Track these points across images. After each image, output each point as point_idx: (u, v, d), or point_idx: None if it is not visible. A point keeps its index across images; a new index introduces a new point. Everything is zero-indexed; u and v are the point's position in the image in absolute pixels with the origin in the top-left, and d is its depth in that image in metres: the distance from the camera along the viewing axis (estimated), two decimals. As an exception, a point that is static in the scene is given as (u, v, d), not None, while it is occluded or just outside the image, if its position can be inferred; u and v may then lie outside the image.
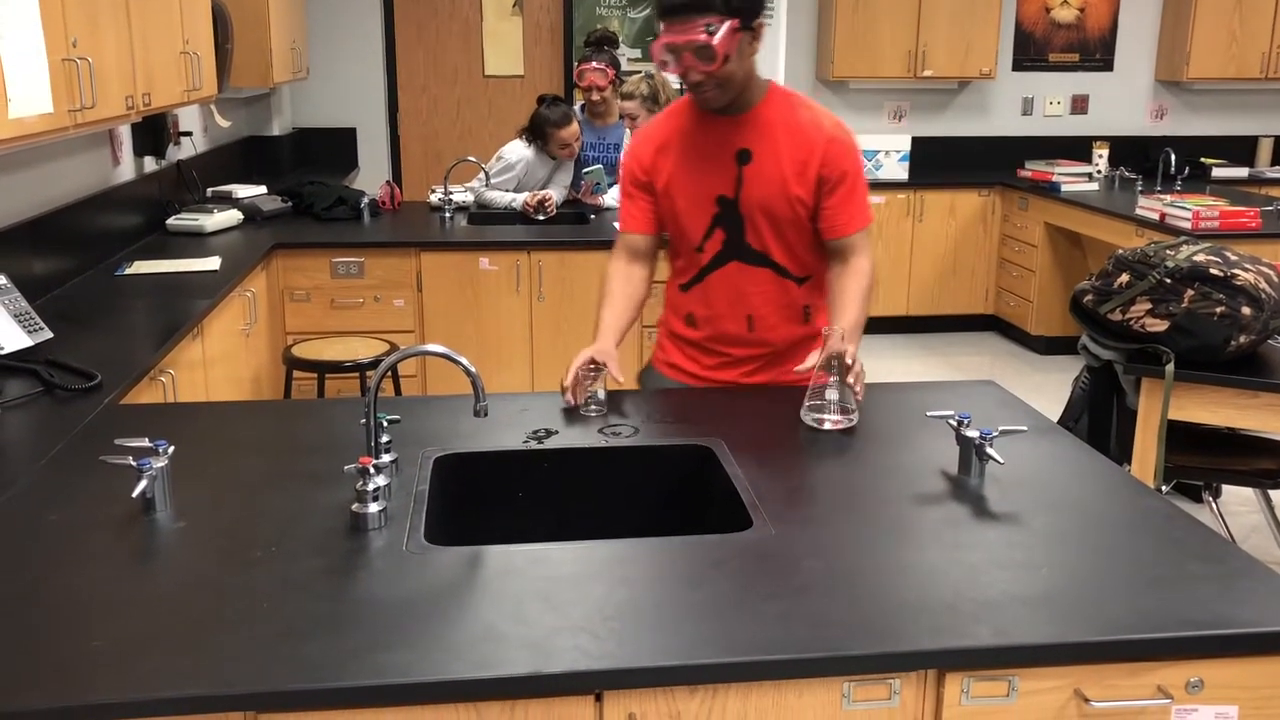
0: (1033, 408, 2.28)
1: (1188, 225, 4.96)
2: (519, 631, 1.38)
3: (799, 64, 6.98)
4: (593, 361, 2.19)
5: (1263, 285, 2.95)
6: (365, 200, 5.03)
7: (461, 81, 6.89)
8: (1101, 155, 6.82)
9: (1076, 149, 7.16)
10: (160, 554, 1.59)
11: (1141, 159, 7.17)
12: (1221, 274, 2.96)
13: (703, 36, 2.09)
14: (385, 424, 1.84)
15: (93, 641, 1.35)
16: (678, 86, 3.89)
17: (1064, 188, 6.25)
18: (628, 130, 4.79)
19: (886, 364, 6.22)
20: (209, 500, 1.77)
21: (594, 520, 2.03)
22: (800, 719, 1.39)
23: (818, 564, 1.57)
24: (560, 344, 4.60)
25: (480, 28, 6.83)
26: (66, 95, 2.66)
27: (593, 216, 4.97)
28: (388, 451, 1.82)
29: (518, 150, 5.03)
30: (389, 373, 2.70)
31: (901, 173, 6.74)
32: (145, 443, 1.76)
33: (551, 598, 1.47)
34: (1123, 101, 7.31)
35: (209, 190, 5.03)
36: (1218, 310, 2.94)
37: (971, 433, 1.87)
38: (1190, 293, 2.98)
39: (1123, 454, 3.26)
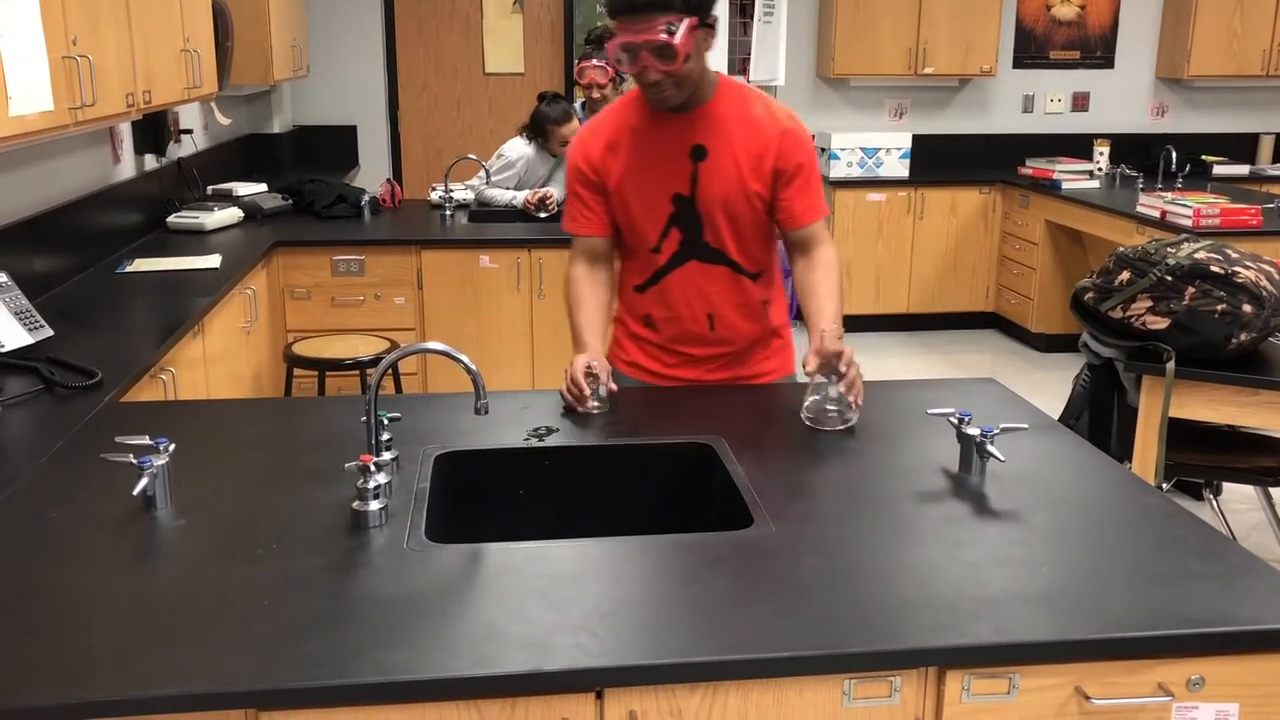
0: (1033, 405, 2.28)
1: (1189, 223, 4.95)
2: (519, 629, 1.38)
3: (799, 61, 6.97)
4: (588, 368, 2.18)
5: (1263, 283, 2.95)
6: (366, 198, 5.03)
7: (462, 79, 6.89)
8: (1102, 153, 6.82)
9: (1077, 146, 7.16)
10: (161, 552, 1.59)
11: (1142, 156, 7.17)
12: (1222, 271, 2.96)
13: (663, 36, 2.04)
14: (386, 422, 1.84)
15: (93, 639, 1.35)
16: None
17: (1065, 185, 6.25)
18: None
19: (887, 361, 6.22)
20: (209, 498, 1.77)
21: (594, 518, 2.03)
22: (801, 716, 1.39)
23: (818, 562, 1.57)
24: (561, 342, 4.60)
25: (481, 25, 6.82)
26: (67, 93, 2.66)
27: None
28: (388, 449, 1.82)
29: (518, 148, 5.03)
30: (389, 370, 2.69)
31: (902, 170, 6.74)
32: (146, 440, 1.76)
33: (552, 595, 1.47)
34: (1124, 99, 7.31)
35: (209, 188, 5.03)
36: (1219, 308, 2.94)
37: (972, 430, 1.87)
38: (1191, 290, 2.98)
39: (1123, 452, 3.25)
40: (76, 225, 3.64)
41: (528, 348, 4.67)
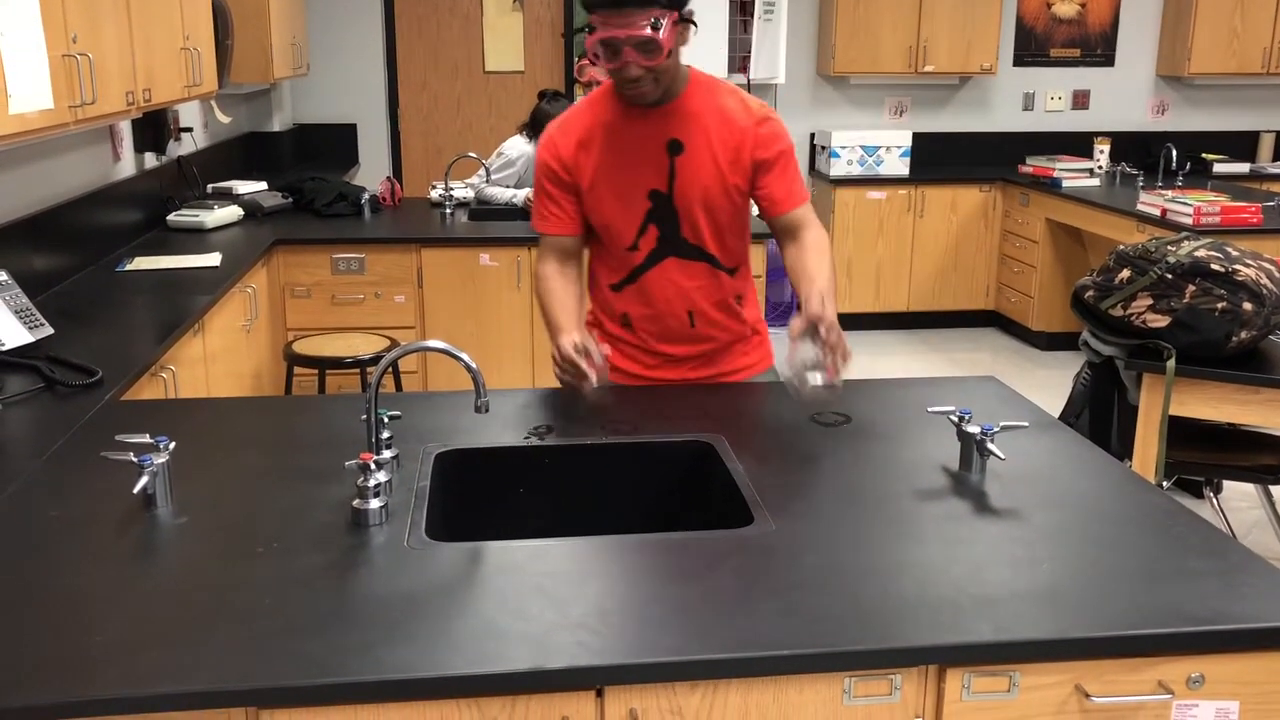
0: (1034, 403, 2.28)
1: (1189, 221, 4.95)
2: (520, 627, 1.38)
3: (800, 59, 6.97)
4: (574, 345, 2.11)
5: (1264, 281, 2.95)
6: (366, 196, 5.03)
7: (462, 77, 6.89)
8: (1103, 151, 6.82)
9: (1078, 144, 7.16)
10: (161, 550, 1.59)
11: (1143, 154, 7.17)
12: (1223, 269, 2.96)
13: (647, 31, 2.03)
14: (386, 420, 1.84)
15: (94, 637, 1.35)
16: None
17: (1065, 183, 6.25)
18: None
19: (887, 360, 6.22)
20: (210, 496, 1.77)
21: (595, 516, 2.03)
22: (801, 714, 1.39)
23: (819, 560, 1.57)
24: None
25: (480, 23, 6.82)
26: (67, 91, 2.66)
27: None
28: (389, 447, 1.82)
29: (518, 146, 5.03)
30: (390, 369, 2.69)
31: (902, 168, 6.74)
32: (146, 439, 1.76)
33: (552, 594, 1.47)
34: (1124, 97, 7.31)
35: (209, 186, 5.03)
36: (1219, 306, 2.94)
37: (972, 428, 1.87)
38: (1191, 288, 2.98)
39: (1124, 450, 3.26)
40: (76, 223, 3.64)
41: (528, 346, 4.67)
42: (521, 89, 6.88)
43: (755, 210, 2.33)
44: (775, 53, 6.59)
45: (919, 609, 1.43)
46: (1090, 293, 3.20)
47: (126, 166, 4.22)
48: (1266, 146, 7.28)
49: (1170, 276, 3.01)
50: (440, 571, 1.53)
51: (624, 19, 2.02)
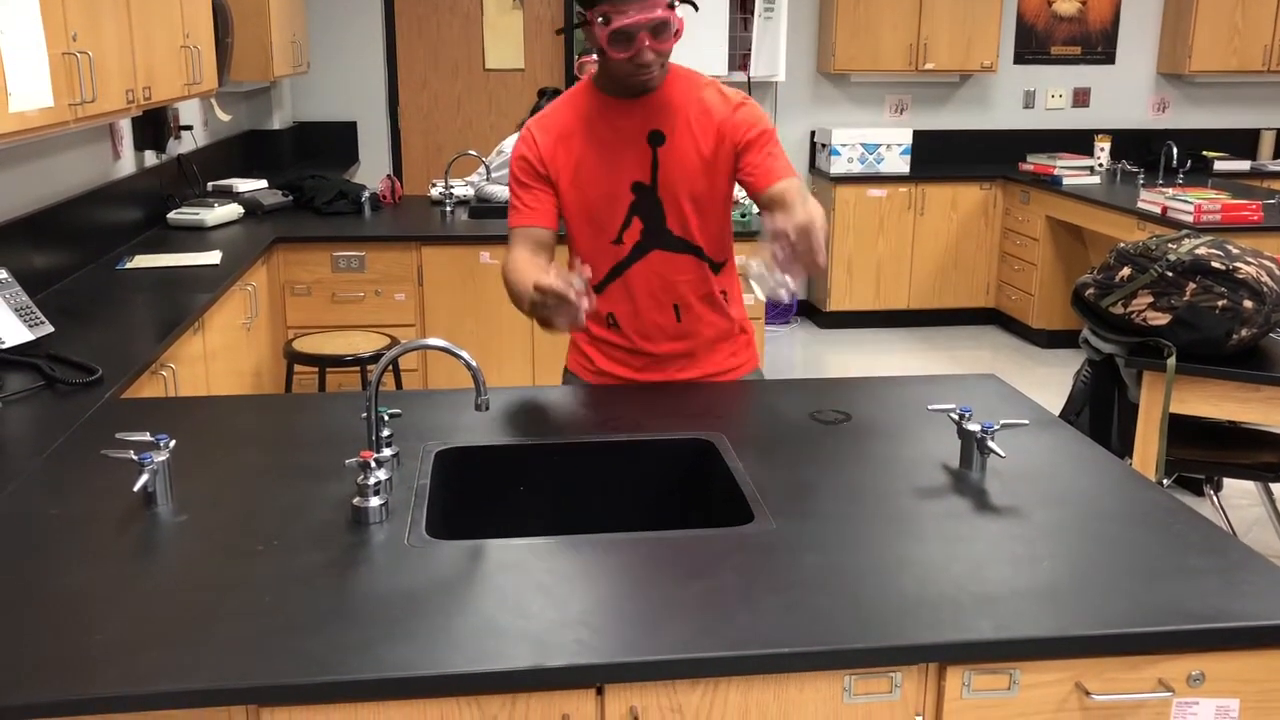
0: (1034, 401, 2.28)
1: (1189, 218, 4.95)
2: (520, 625, 1.38)
3: (800, 57, 6.97)
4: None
5: (1264, 278, 2.95)
6: (366, 194, 5.03)
7: (462, 75, 6.88)
8: (1103, 148, 6.82)
9: (1078, 142, 7.15)
10: (161, 548, 1.59)
11: (1143, 152, 7.17)
12: (1223, 267, 2.96)
13: (662, 12, 2.03)
14: (386, 418, 1.84)
15: (94, 635, 1.35)
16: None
17: (1065, 181, 6.25)
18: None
19: (887, 358, 6.22)
20: (210, 494, 1.77)
21: (595, 514, 2.03)
22: (801, 712, 1.39)
23: (819, 558, 1.57)
24: (561, 338, 4.60)
25: (481, 21, 6.82)
26: (67, 89, 2.66)
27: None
28: (389, 445, 1.82)
29: (518, 144, 5.02)
30: (390, 367, 2.69)
31: (903, 166, 6.74)
32: (146, 437, 1.76)
33: (552, 592, 1.47)
34: (1124, 94, 7.30)
35: (209, 184, 5.03)
36: (1219, 303, 2.94)
37: (973, 426, 1.87)
38: (1192, 286, 2.98)
39: (1124, 447, 3.26)
40: (77, 221, 3.64)
41: (528, 344, 4.67)
42: (521, 87, 6.87)
43: (743, 194, 2.27)
44: (775, 50, 6.59)
45: (919, 607, 1.43)
46: (1091, 290, 3.20)
47: (126, 164, 4.22)
48: (1267, 144, 7.27)
49: (1171, 274, 3.01)
50: (440, 569, 1.53)
51: (641, 4, 2.02)
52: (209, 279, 3.53)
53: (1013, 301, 6.70)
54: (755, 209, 4.99)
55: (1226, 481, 3.85)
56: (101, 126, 3.93)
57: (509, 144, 5.07)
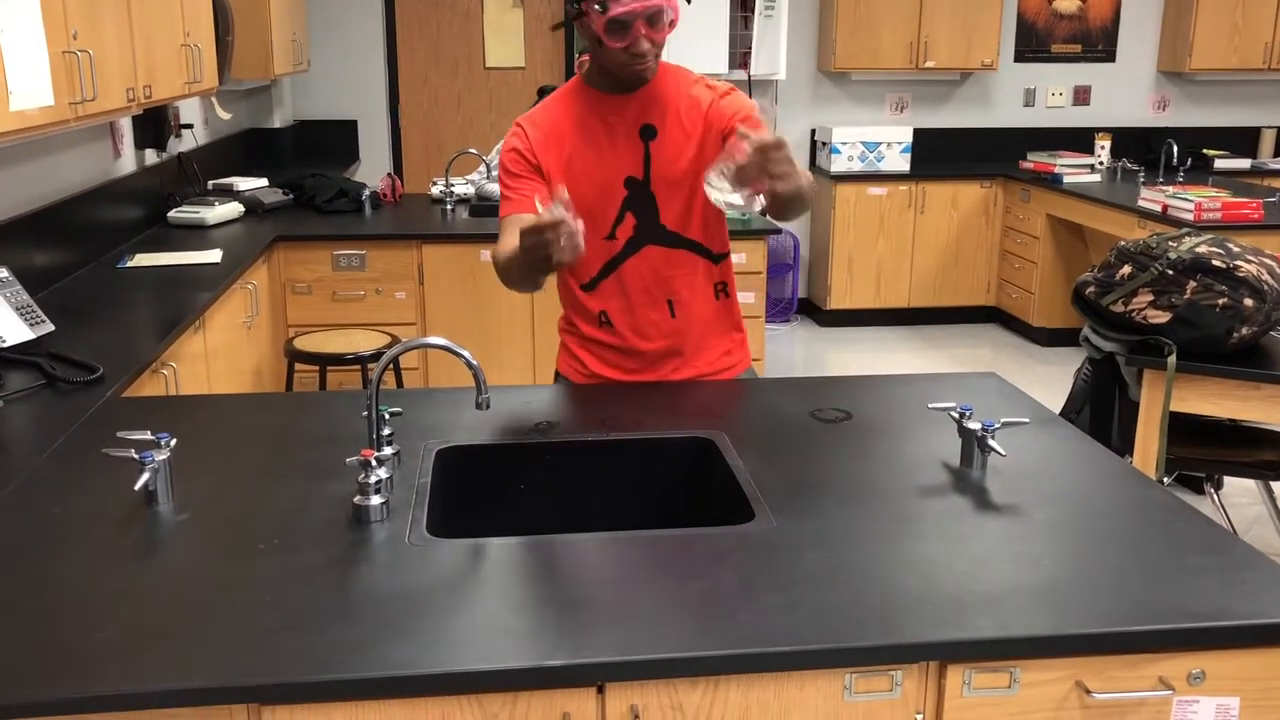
0: (1034, 400, 2.28)
1: (1190, 217, 4.95)
2: (521, 624, 1.38)
3: (800, 55, 6.97)
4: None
5: (1265, 277, 2.95)
6: (366, 192, 5.03)
7: (462, 73, 6.88)
8: (1104, 147, 6.81)
9: (1078, 140, 7.15)
10: (162, 547, 1.59)
11: (1144, 150, 7.16)
12: (1224, 265, 2.96)
13: (658, 0, 2.02)
14: (387, 416, 1.84)
15: (96, 634, 1.35)
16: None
17: (1066, 179, 6.24)
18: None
19: (888, 356, 6.22)
20: (211, 493, 1.77)
21: (595, 513, 2.03)
22: (802, 710, 1.39)
23: (819, 556, 1.57)
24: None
25: (481, 19, 6.81)
26: (67, 87, 2.66)
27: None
28: (389, 444, 1.82)
29: (519, 142, 5.02)
30: (391, 365, 2.69)
31: (903, 164, 6.74)
32: (147, 435, 1.76)
33: (553, 590, 1.47)
34: (1125, 93, 7.30)
35: (210, 183, 5.03)
36: (1220, 302, 2.94)
37: (973, 425, 1.87)
38: (1192, 284, 2.98)
39: (1124, 446, 3.26)
40: (77, 220, 3.64)
41: (529, 342, 4.67)
42: (522, 85, 6.87)
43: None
44: (776, 49, 6.58)
45: (920, 605, 1.43)
46: (1091, 289, 3.20)
47: (127, 163, 4.22)
48: (1268, 142, 7.27)
49: (1171, 272, 3.01)
50: (441, 568, 1.53)
51: None
52: (210, 277, 3.53)
53: (1013, 300, 6.70)
54: (756, 207, 4.99)
55: (1227, 480, 3.86)
56: (102, 125, 3.93)
57: (509, 142, 5.07)
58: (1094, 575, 1.52)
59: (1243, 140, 7.34)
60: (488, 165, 5.07)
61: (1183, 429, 3.23)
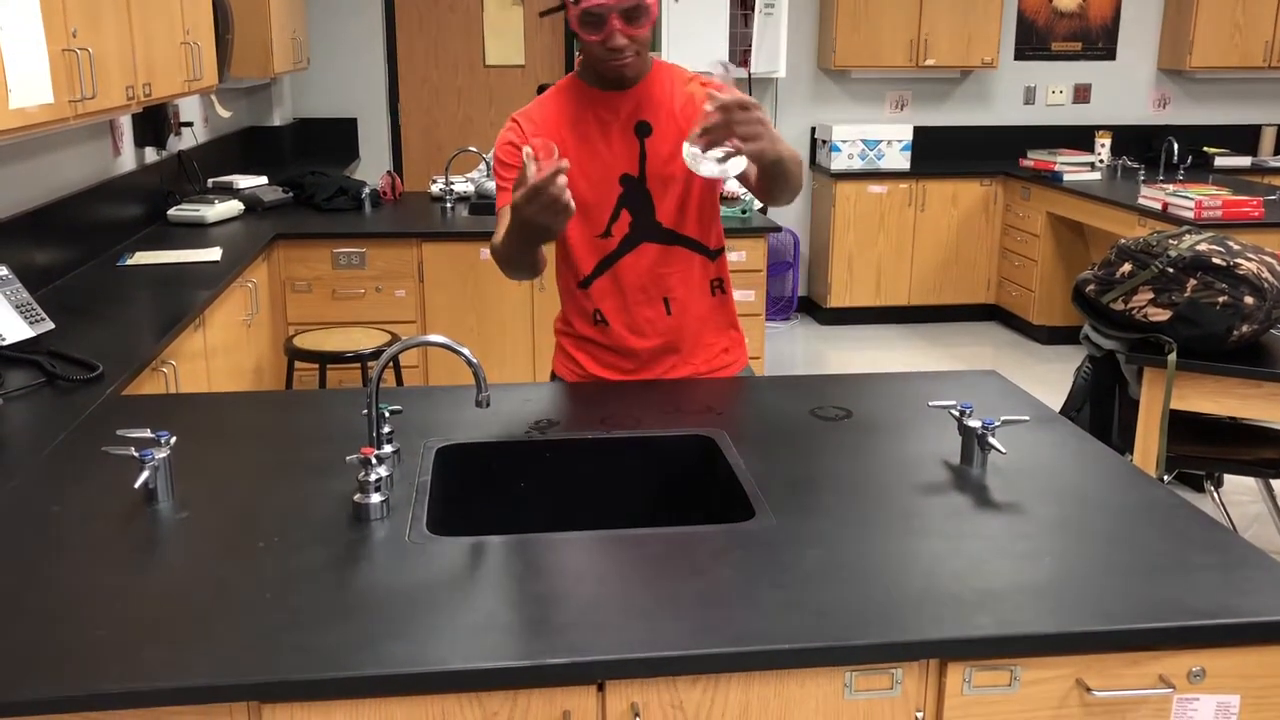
0: (1035, 398, 2.28)
1: (1190, 215, 4.95)
2: (521, 622, 1.38)
3: (800, 53, 6.96)
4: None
5: (1265, 274, 2.95)
6: (366, 191, 5.03)
7: (462, 71, 6.88)
8: (1104, 144, 6.81)
9: (1079, 138, 7.15)
10: (162, 544, 1.59)
11: (1144, 148, 7.16)
12: (1224, 263, 2.96)
13: None
14: (387, 414, 1.84)
15: (96, 632, 1.35)
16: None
17: (1066, 177, 6.24)
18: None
19: (888, 354, 6.22)
20: (211, 491, 1.77)
21: (596, 511, 2.03)
22: (802, 708, 1.39)
23: (820, 554, 1.57)
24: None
25: (481, 17, 6.81)
26: (67, 85, 2.66)
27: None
28: (389, 442, 1.82)
29: (519, 140, 5.02)
30: (391, 363, 2.69)
31: (903, 162, 6.74)
32: (147, 433, 1.76)
33: (553, 588, 1.47)
34: (1125, 91, 7.30)
35: (210, 181, 5.03)
36: (1220, 299, 2.94)
37: (974, 422, 1.87)
38: (1193, 282, 2.98)
39: (1125, 444, 3.26)
40: (77, 218, 3.64)
41: (529, 341, 4.67)
42: (522, 83, 6.87)
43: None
44: (776, 47, 6.58)
45: (920, 603, 1.43)
46: (1091, 287, 3.20)
47: (127, 161, 4.22)
48: (1268, 140, 7.27)
49: (1171, 270, 3.01)
50: (441, 566, 1.53)
51: None
52: (209, 275, 3.53)
53: (1013, 298, 6.70)
54: (756, 205, 4.98)
55: (1227, 478, 3.86)
56: (102, 123, 3.93)
57: (509, 140, 5.06)
58: (1094, 573, 1.52)
59: (1243, 138, 7.34)
60: (487, 163, 5.07)
61: (1183, 427, 3.23)
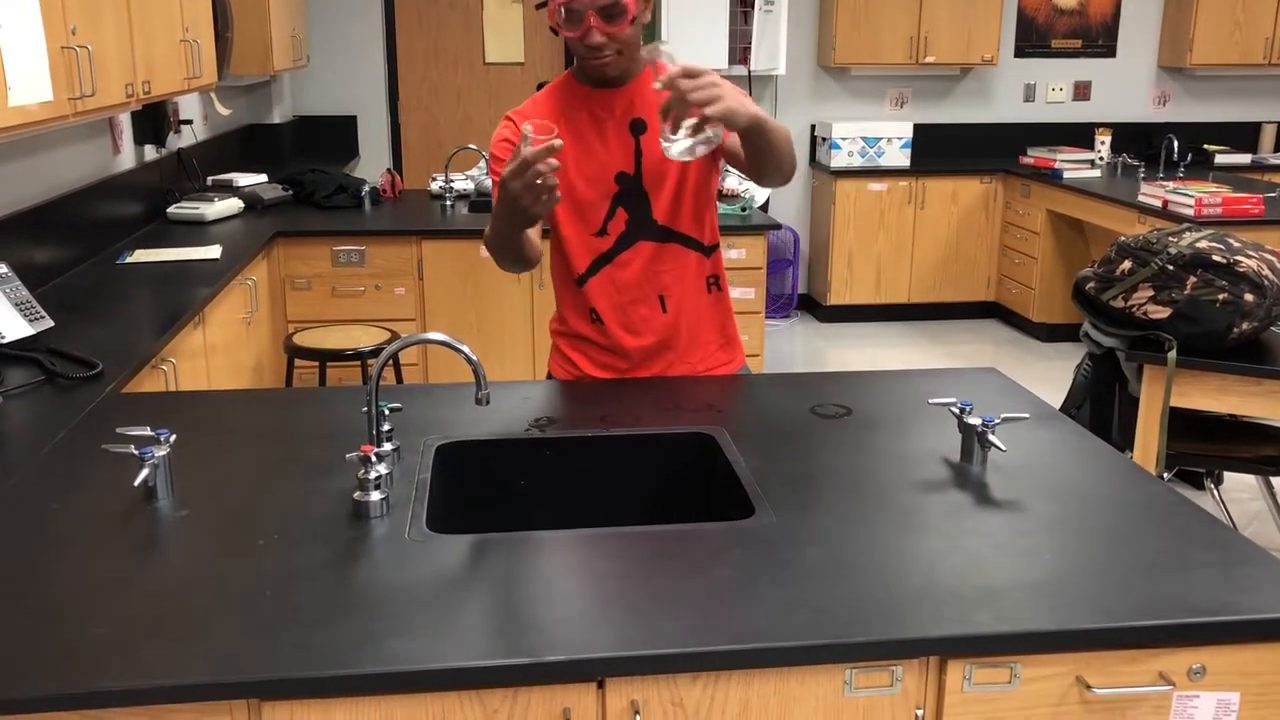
0: (1035, 395, 2.28)
1: (1190, 212, 4.95)
2: (521, 619, 1.38)
3: (800, 50, 6.96)
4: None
5: (1265, 272, 2.95)
6: (366, 188, 5.03)
7: (462, 69, 6.88)
8: (1104, 142, 6.81)
9: (1079, 136, 7.15)
10: (162, 542, 1.59)
11: (1144, 145, 7.16)
12: (1224, 261, 2.96)
13: None
14: (387, 412, 1.84)
15: (95, 629, 1.35)
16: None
17: (1066, 174, 6.24)
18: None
19: (888, 352, 6.22)
20: (211, 489, 1.77)
21: (595, 508, 2.03)
22: (802, 706, 1.39)
23: (820, 551, 1.57)
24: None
25: (481, 15, 6.81)
26: (66, 83, 2.66)
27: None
28: (389, 440, 1.82)
29: (518, 138, 5.02)
30: (390, 361, 2.69)
31: (903, 160, 6.73)
32: (147, 431, 1.76)
33: (553, 586, 1.47)
34: (1125, 88, 7.29)
35: (209, 178, 5.03)
36: (1220, 297, 2.94)
37: (974, 420, 1.87)
38: (1193, 279, 2.98)
39: (1125, 441, 3.26)
40: (77, 216, 3.64)
41: (529, 338, 4.67)
42: (521, 81, 6.87)
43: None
44: (776, 44, 6.58)
45: (920, 601, 1.43)
46: (1091, 284, 3.19)
47: (126, 159, 4.22)
48: (1268, 137, 7.27)
49: (1171, 268, 3.00)
50: (441, 564, 1.53)
51: None
52: (209, 273, 3.53)
53: (1013, 295, 6.70)
54: (756, 202, 4.98)
55: (1227, 475, 3.86)
56: (101, 121, 3.92)
57: (509, 138, 5.06)
58: (1094, 570, 1.52)
59: (1243, 135, 7.33)
60: (487, 161, 5.07)
61: (1183, 424, 3.23)
